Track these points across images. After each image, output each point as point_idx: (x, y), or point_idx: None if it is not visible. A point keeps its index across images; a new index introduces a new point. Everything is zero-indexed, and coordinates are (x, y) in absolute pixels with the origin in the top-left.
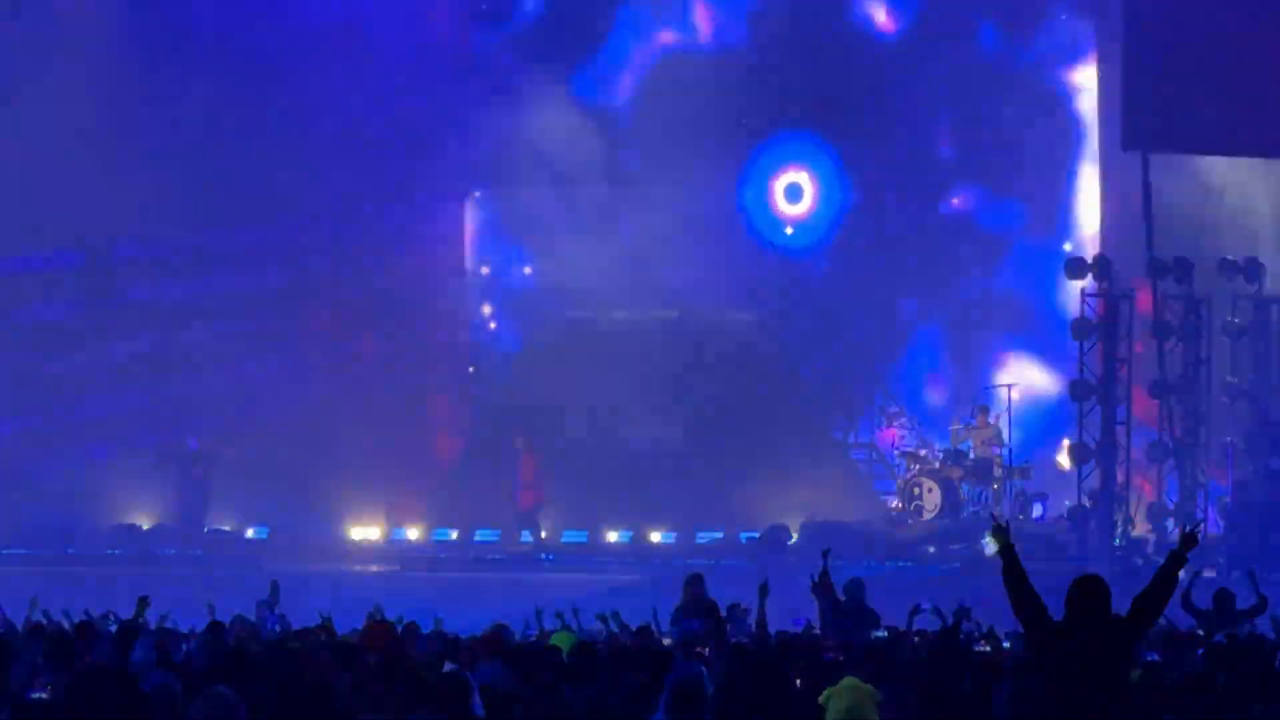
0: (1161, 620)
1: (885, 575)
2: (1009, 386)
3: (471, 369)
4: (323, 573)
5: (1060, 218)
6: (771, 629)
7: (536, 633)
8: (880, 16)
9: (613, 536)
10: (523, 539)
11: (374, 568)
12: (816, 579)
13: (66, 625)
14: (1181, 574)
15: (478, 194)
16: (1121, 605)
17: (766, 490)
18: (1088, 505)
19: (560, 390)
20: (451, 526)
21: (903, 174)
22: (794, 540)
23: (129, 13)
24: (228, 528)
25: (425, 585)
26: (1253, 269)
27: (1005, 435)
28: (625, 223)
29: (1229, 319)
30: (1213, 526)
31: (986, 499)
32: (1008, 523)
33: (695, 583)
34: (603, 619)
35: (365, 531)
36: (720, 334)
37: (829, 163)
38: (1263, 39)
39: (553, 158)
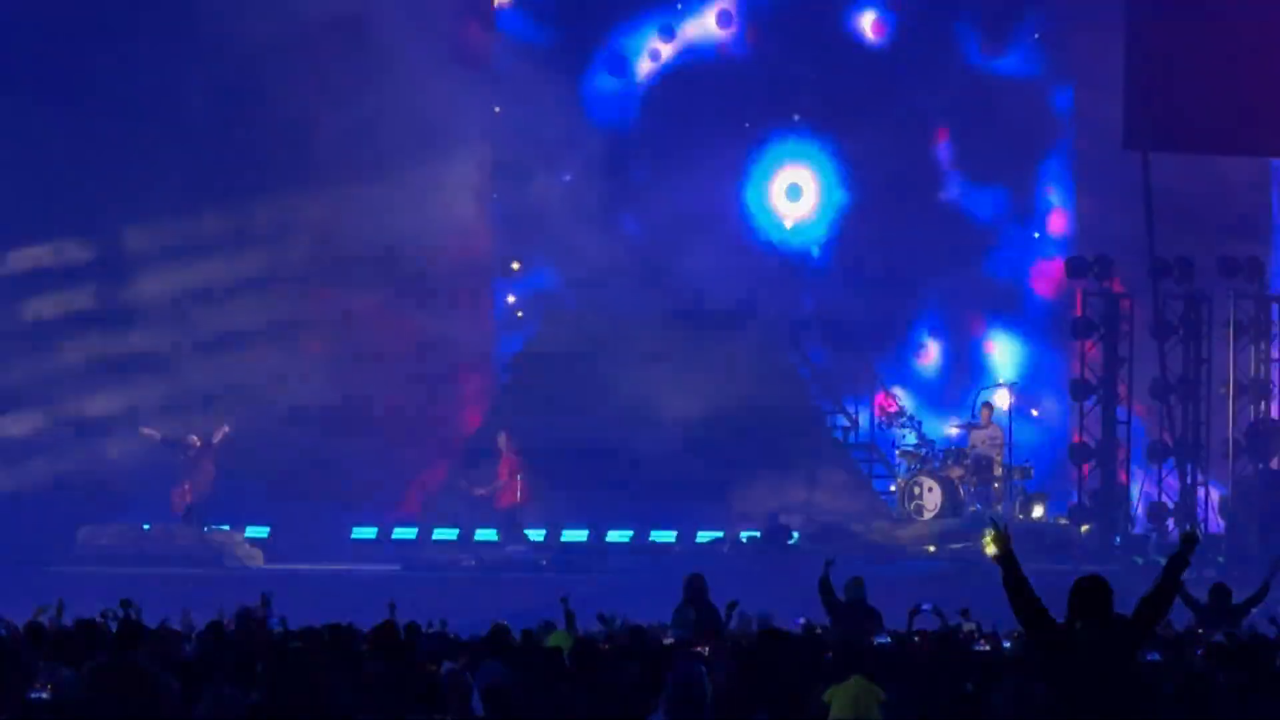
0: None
1: (885, 575)
2: (1009, 385)
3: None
4: (322, 573)
5: (1039, 210)
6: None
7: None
8: (868, 25)
9: (614, 536)
10: (500, 539)
11: (374, 567)
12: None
13: (68, 625)
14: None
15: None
16: (1122, 604)
17: (767, 490)
18: (1088, 504)
19: (560, 389)
20: (453, 526)
21: (901, 173)
22: (794, 540)
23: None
24: (227, 527)
25: (425, 585)
26: (1253, 268)
27: (1006, 435)
28: (628, 222)
29: (1230, 318)
30: (1213, 526)
31: (987, 498)
32: (1006, 526)
33: (695, 582)
34: (603, 619)
35: (365, 531)
36: (720, 333)
37: (828, 161)
38: (1263, 39)
39: (559, 156)
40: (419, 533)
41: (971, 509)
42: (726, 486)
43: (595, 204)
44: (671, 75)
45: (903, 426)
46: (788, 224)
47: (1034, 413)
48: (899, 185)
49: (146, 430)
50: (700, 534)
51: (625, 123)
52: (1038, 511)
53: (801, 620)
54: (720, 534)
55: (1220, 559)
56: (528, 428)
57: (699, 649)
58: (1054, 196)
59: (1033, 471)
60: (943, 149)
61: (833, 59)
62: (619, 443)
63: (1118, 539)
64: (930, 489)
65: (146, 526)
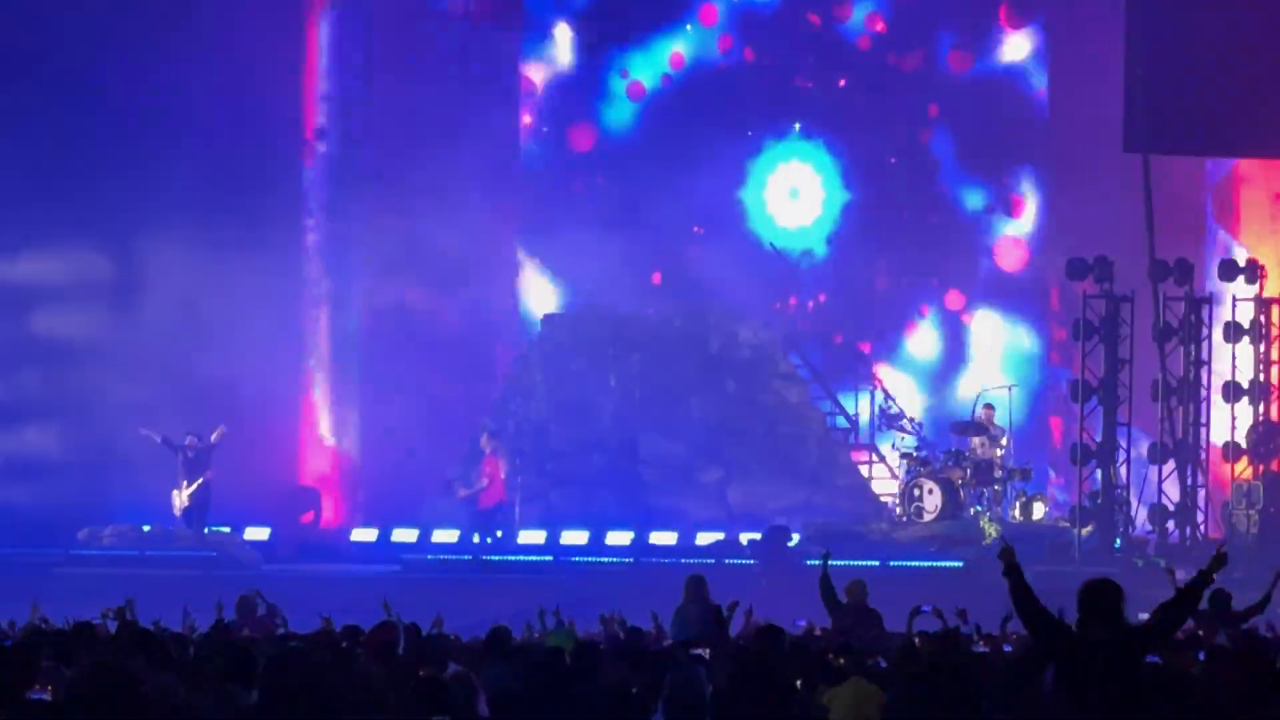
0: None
1: (886, 576)
2: (1009, 387)
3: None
4: (322, 573)
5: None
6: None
7: (540, 631)
8: (862, 28)
9: (614, 537)
10: (478, 540)
11: (374, 568)
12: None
13: (67, 627)
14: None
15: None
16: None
17: (767, 491)
18: (1088, 506)
19: (561, 389)
20: (451, 527)
21: (899, 173)
22: (795, 541)
23: None
24: (227, 528)
25: (425, 586)
26: (1253, 270)
27: (1006, 437)
28: (628, 223)
29: (1229, 320)
30: (1212, 529)
31: (988, 500)
32: (1011, 545)
33: (696, 584)
34: (604, 620)
35: (365, 533)
36: (720, 333)
37: (828, 162)
38: (1263, 40)
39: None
40: (419, 534)
41: (972, 510)
42: (728, 487)
43: (598, 207)
44: (675, 89)
45: (903, 429)
46: (787, 225)
47: (1010, 387)
48: (896, 185)
49: (145, 431)
50: (701, 534)
51: (627, 128)
52: (1038, 513)
53: (803, 622)
54: (721, 535)
55: None
56: (528, 428)
57: (699, 650)
58: (1025, 186)
59: (1033, 473)
60: (935, 147)
61: (828, 66)
62: (619, 443)
63: (1118, 541)
64: (930, 491)
65: (146, 528)
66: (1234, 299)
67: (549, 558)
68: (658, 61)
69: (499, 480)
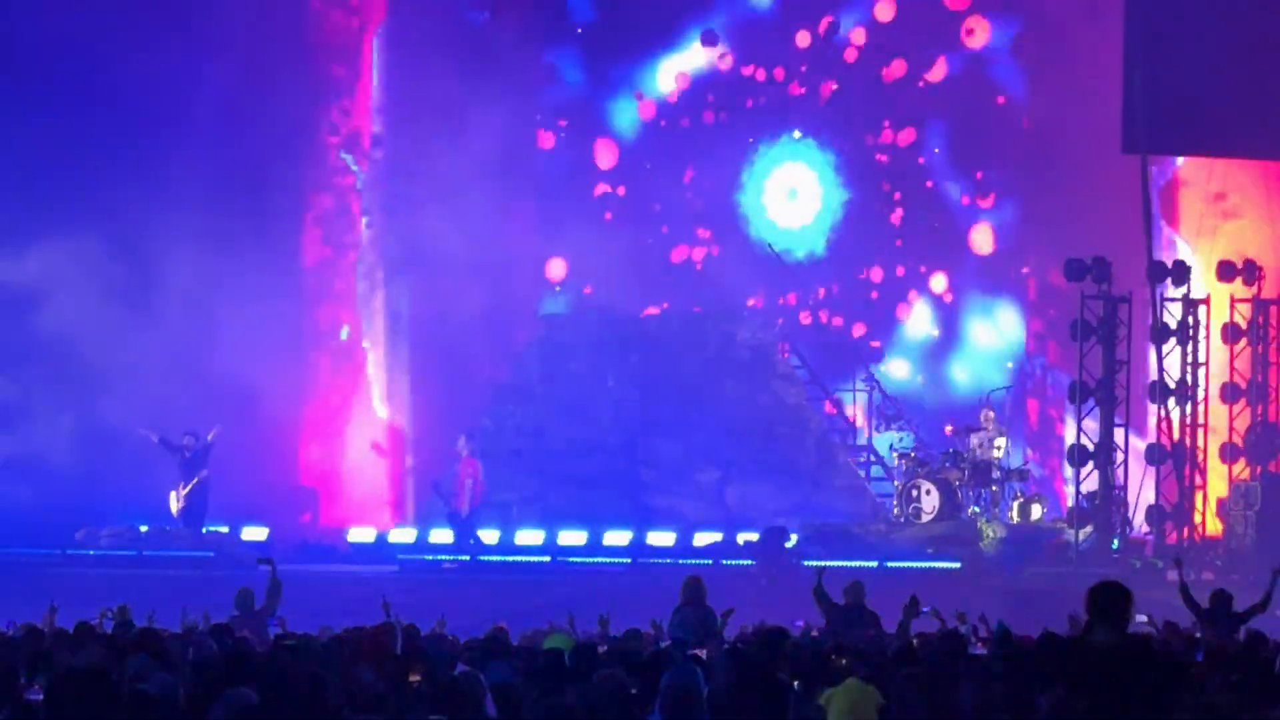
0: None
1: (884, 578)
2: (1007, 389)
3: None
4: (322, 574)
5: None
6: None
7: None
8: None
9: (612, 537)
10: (457, 542)
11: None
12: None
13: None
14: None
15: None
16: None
17: (765, 491)
18: (1086, 507)
19: (559, 389)
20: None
21: (889, 171)
22: (793, 542)
23: None
24: (225, 529)
25: (424, 586)
26: (1250, 271)
27: (1004, 438)
28: (628, 224)
29: (1226, 321)
30: (1211, 530)
31: (985, 501)
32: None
33: (693, 585)
34: (603, 621)
35: (363, 533)
36: (718, 334)
37: (825, 162)
38: (1262, 41)
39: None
40: (417, 535)
41: (970, 511)
42: (726, 488)
43: (599, 208)
44: (678, 101)
45: (901, 429)
46: (790, 225)
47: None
48: (888, 182)
49: (143, 430)
50: (697, 536)
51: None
52: (1036, 514)
53: (800, 623)
54: (719, 536)
55: (1218, 561)
56: (527, 428)
57: (696, 652)
58: (1001, 179)
59: (1030, 474)
60: (922, 146)
61: (819, 75)
62: (617, 444)
63: (1115, 542)
64: (928, 491)
65: (144, 527)
66: (1232, 300)
67: (546, 558)
68: (665, 78)
69: (478, 481)
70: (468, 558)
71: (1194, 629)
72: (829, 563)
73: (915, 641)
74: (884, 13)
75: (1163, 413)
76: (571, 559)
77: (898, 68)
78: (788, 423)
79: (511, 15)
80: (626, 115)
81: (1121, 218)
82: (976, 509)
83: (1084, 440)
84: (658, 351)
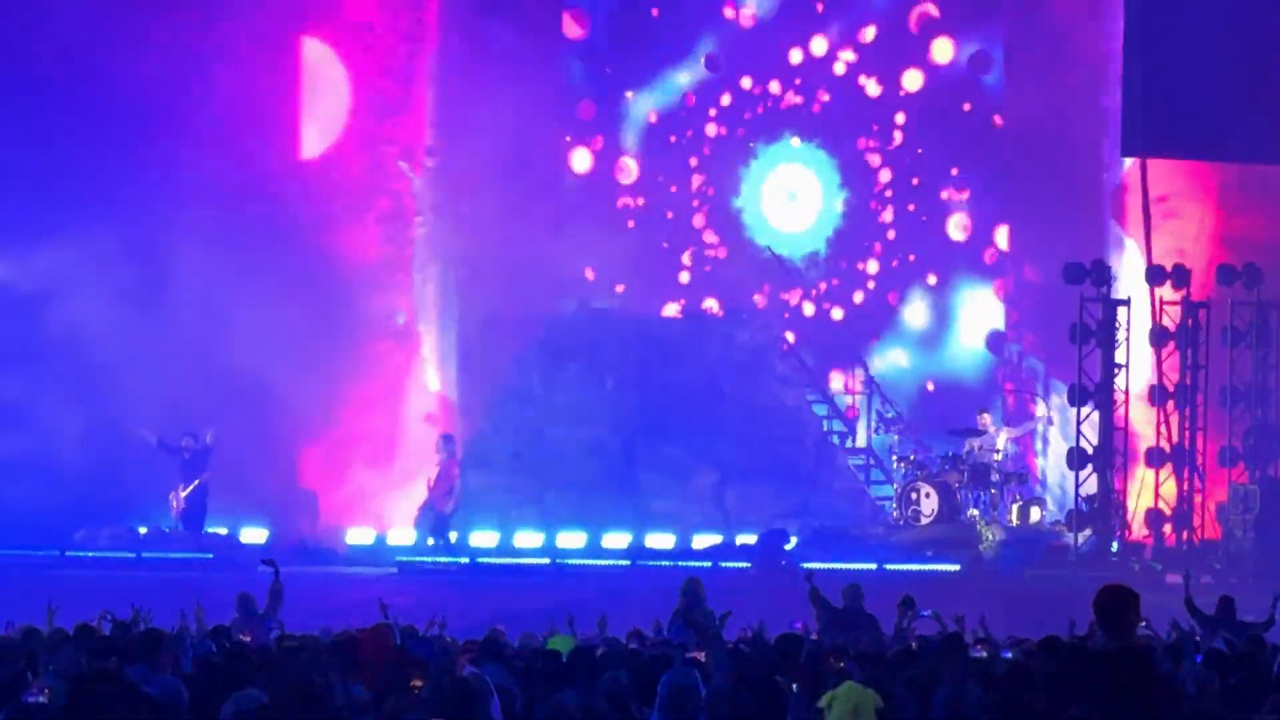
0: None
1: (883, 580)
2: (1006, 391)
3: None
4: (321, 574)
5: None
6: (770, 633)
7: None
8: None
9: (611, 539)
10: (434, 544)
11: (370, 570)
12: (809, 592)
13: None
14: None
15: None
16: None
17: (764, 494)
18: (1085, 510)
19: (558, 391)
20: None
21: (897, 174)
22: (792, 544)
23: None
24: (224, 531)
25: (422, 588)
26: (1251, 274)
27: (1003, 440)
28: (628, 225)
29: (1227, 324)
30: (1210, 533)
31: (984, 504)
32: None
33: (692, 586)
34: (602, 623)
35: (362, 534)
36: (717, 336)
37: (822, 163)
38: (1261, 45)
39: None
40: (416, 537)
41: (969, 514)
42: (725, 490)
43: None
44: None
45: (901, 432)
46: (793, 229)
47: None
48: (881, 182)
49: (142, 432)
50: (696, 538)
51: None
52: (1035, 516)
53: (799, 625)
54: (718, 538)
55: (1216, 565)
56: (526, 430)
57: (694, 654)
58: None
59: (1029, 476)
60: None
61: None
62: (616, 446)
63: (1115, 545)
64: (927, 495)
65: (143, 529)
66: (1232, 303)
67: (546, 560)
68: (671, 93)
69: (456, 483)
70: (466, 560)
71: (1193, 632)
72: (816, 564)
73: (915, 644)
74: (866, 33)
75: (1162, 416)
76: (570, 561)
77: (879, 79)
78: (787, 425)
79: (535, 39)
80: (636, 127)
81: (1093, 217)
82: (975, 512)
83: (1083, 443)
84: (656, 353)
